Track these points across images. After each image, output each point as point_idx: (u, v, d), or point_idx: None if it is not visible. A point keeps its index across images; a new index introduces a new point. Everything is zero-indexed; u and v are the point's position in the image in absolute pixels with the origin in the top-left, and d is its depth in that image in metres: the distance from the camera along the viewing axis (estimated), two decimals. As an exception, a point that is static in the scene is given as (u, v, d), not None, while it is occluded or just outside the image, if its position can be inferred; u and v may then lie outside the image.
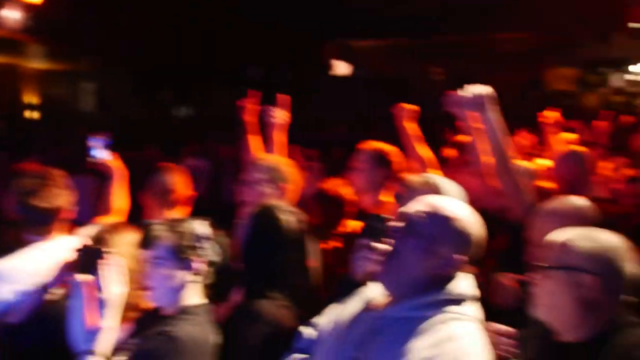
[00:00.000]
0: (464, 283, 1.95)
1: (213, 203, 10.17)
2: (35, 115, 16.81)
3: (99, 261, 1.99)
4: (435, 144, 8.64)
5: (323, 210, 3.92)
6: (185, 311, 2.21)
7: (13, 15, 14.29)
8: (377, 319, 1.91)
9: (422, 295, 1.88)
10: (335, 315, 2.09)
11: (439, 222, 1.92)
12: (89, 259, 2.03)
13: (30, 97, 17.81)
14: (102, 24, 15.63)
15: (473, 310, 1.93)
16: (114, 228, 2.57)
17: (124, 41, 16.14)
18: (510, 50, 18.91)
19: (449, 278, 1.93)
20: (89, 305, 1.94)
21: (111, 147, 3.59)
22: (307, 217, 2.71)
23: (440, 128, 13.96)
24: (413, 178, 2.84)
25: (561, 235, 1.98)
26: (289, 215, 2.61)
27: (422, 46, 19.32)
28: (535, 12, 15.01)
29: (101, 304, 1.95)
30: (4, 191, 3.22)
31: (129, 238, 2.54)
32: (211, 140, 10.72)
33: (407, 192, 2.73)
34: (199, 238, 2.26)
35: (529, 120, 14.60)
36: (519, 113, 16.21)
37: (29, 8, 14.30)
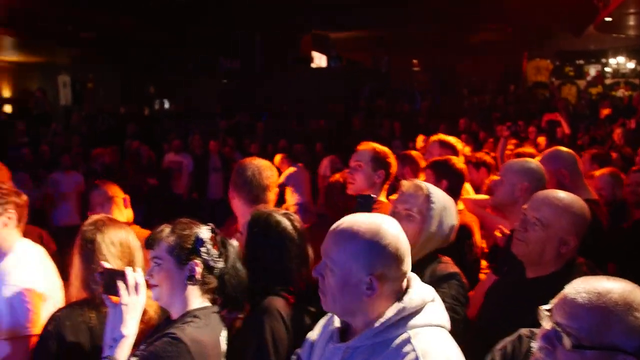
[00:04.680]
0: (418, 288, 1.88)
1: (196, 199, 10.19)
2: (8, 109, 16.56)
3: (121, 281, 2.14)
4: (413, 136, 8.79)
5: (334, 202, 3.96)
6: (189, 314, 2.22)
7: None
8: (344, 351, 1.85)
9: (381, 318, 1.80)
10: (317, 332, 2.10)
11: (372, 247, 1.80)
12: (111, 280, 2.16)
13: (4, 91, 17.55)
14: (77, 16, 15.41)
15: (435, 314, 1.87)
16: (103, 225, 2.57)
17: (103, 33, 15.95)
18: (487, 41, 19.11)
19: (402, 291, 1.85)
20: (113, 317, 2.15)
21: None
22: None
23: (419, 119, 14.11)
24: (406, 183, 2.85)
25: None
26: (284, 218, 2.63)
27: (398, 37, 19.42)
28: (512, 4, 15.17)
29: (122, 313, 2.13)
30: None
31: (118, 235, 2.56)
32: (196, 134, 10.64)
33: (401, 196, 2.76)
34: (201, 241, 2.27)
35: (509, 111, 14.87)
36: (498, 104, 16.50)
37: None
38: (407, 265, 1.85)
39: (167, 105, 19.10)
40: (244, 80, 17.56)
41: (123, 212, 3.69)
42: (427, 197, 2.68)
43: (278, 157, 9.03)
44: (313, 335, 2.09)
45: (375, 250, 1.78)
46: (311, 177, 8.94)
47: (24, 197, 3.02)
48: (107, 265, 2.26)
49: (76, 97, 18.31)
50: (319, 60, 20.06)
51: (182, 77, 17.64)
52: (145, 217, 6.57)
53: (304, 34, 19.28)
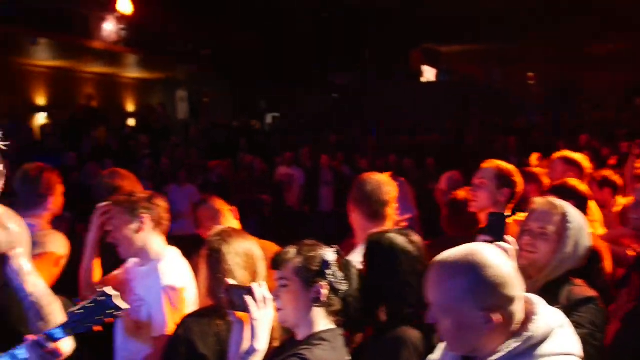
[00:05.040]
0: (544, 314, 1.76)
1: (306, 212, 10.31)
2: (131, 122, 17.55)
3: (248, 296, 2.14)
4: (529, 152, 8.40)
5: (457, 220, 3.86)
6: (316, 336, 2.22)
7: (110, 28, 14.99)
8: None
9: (508, 347, 1.71)
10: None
11: (476, 282, 1.71)
12: (236, 297, 2.18)
13: (128, 106, 18.66)
14: (194, 33, 16.17)
15: (565, 341, 1.74)
16: (228, 235, 2.64)
17: (218, 50, 16.61)
18: (609, 51, 18.09)
19: (526, 316, 1.75)
20: (244, 333, 2.16)
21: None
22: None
23: (534, 135, 13.53)
24: (539, 200, 2.71)
25: None
26: (400, 236, 2.57)
27: (513, 50, 18.82)
28: (631, 11, 14.26)
29: (253, 330, 2.12)
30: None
31: (243, 246, 2.62)
32: (306, 148, 10.79)
33: (534, 214, 2.63)
34: (326, 264, 2.26)
35: (634, 125, 13.91)
36: (623, 119, 15.51)
37: (124, 20, 14.98)
38: (517, 286, 1.75)
39: (278, 119, 19.54)
40: (354, 95, 17.67)
41: (232, 224, 3.74)
42: (564, 216, 2.57)
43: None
44: (434, 357, 2.04)
45: (480, 284, 1.71)
46: (420, 192, 8.76)
47: (161, 203, 3.12)
48: (231, 282, 2.28)
49: (193, 111, 19.13)
50: (429, 74, 19.82)
51: (293, 92, 18.00)
52: (257, 230, 6.68)
53: (414, 48, 19.15)
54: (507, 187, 3.53)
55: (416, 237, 2.60)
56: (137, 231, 3.00)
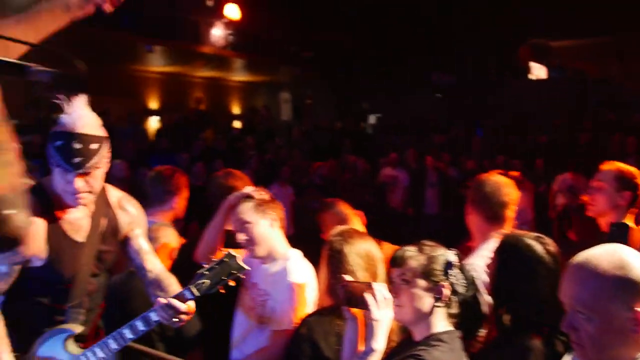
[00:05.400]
0: None
1: (410, 213, 10.16)
2: (237, 125, 18.08)
3: (368, 294, 2.12)
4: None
5: (575, 225, 3.68)
6: (434, 337, 2.19)
7: (218, 33, 15.52)
8: None
9: None
10: None
11: (624, 280, 1.66)
12: (353, 294, 2.16)
13: (234, 108, 19.25)
14: (298, 36, 16.41)
15: None
16: (350, 236, 2.66)
17: (320, 52, 16.77)
18: None
19: None
20: (361, 333, 2.16)
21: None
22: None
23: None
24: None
25: None
26: (536, 242, 2.44)
27: (632, 42, 17.65)
28: None
29: (371, 329, 2.10)
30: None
31: (364, 247, 2.63)
32: (411, 149, 10.64)
33: None
34: (449, 265, 2.23)
35: None
36: None
37: (231, 25, 15.45)
38: None
39: (380, 120, 19.44)
40: (459, 94, 17.25)
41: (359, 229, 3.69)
42: None
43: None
44: None
45: (628, 283, 1.65)
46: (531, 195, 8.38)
47: (280, 205, 3.22)
48: (348, 278, 2.28)
49: (296, 113, 19.42)
50: (538, 71, 19.00)
51: (396, 92, 17.85)
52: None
53: (521, 43, 18.42)
54: (629, 190, 3.34)
55: (551, 243, 2.49)
56: (268, 229, 3.07)
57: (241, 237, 3.05)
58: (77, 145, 2.35)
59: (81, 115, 2.38)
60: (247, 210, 3.05)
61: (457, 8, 17.38)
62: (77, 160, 2.36)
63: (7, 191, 1.09)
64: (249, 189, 3.17)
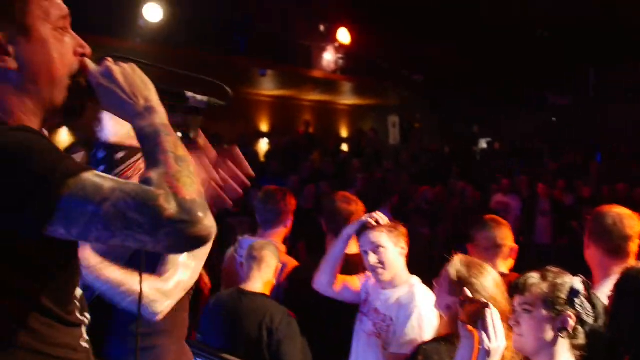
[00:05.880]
0: None
1: (525, 245, 9.72)
2: (345, 147, 18.25)
3: (485, 313, 2.07)
4: None
5: None
6: None
7: (329, 57, 15.80)
8: None
9: None
10: None
11: None
12: (473, 311, 2.11)
13: (342, 131, 19.45)
14: (406, 60, 16.37)
15: None
16: (475, 267, 2.58)
17: (429, 75, 16.63)
18: None
19: None
20: (474, 355, 2.11)
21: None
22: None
23: None
24: None
25: None
26: None
27: None
28: None
29: (484, 355, 2.06)
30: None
31: (491, 277, 2.54)
32: (523, 175, 10.27)
33: None
34: (575, 293, 2.12)
35: None
36: None
37: (341, 49, 15.68)
38: None
39: (492, 144, 18.92)
40: (575, 116, 16.45)
41: (506, 263, 3.52)
42: None
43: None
44: None
45: None
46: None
47: (407, 233, 3.26)
48: (469, 294, 2.24)
49: (404, 136, 19.32)
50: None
51: (507, 116, 17.33)
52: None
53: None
54: None
55: None
56: (398, 256, 3.16)
57: (373, 259, 3.11)
58: (101, 154, 2.38)
59: (108, 125, 2.37)
60: (381, 235, 3.12)
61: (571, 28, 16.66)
62: (100, 169, 2.35)
63: (198, 196, 1.23)
64: (375, 216, 3.20)
